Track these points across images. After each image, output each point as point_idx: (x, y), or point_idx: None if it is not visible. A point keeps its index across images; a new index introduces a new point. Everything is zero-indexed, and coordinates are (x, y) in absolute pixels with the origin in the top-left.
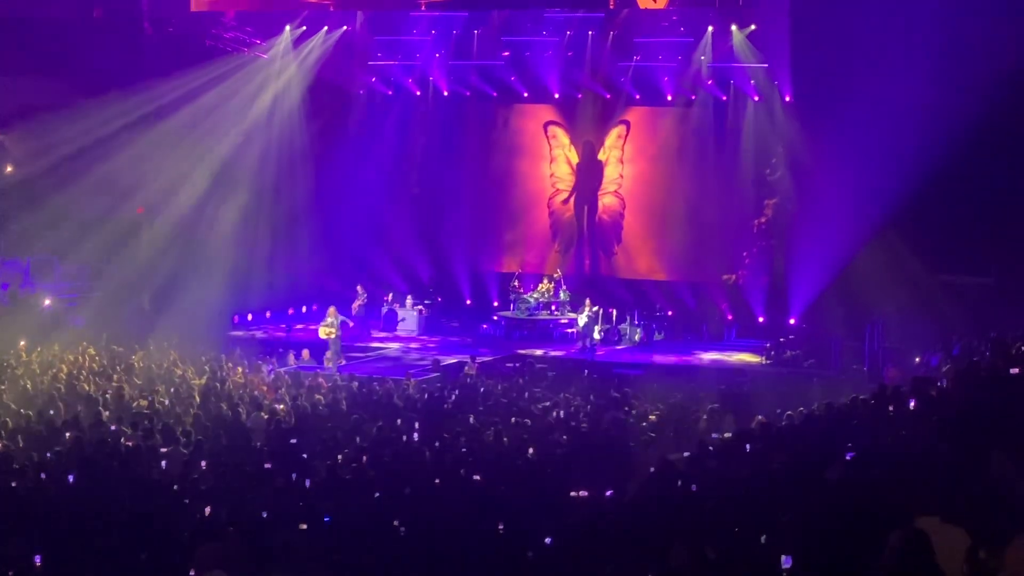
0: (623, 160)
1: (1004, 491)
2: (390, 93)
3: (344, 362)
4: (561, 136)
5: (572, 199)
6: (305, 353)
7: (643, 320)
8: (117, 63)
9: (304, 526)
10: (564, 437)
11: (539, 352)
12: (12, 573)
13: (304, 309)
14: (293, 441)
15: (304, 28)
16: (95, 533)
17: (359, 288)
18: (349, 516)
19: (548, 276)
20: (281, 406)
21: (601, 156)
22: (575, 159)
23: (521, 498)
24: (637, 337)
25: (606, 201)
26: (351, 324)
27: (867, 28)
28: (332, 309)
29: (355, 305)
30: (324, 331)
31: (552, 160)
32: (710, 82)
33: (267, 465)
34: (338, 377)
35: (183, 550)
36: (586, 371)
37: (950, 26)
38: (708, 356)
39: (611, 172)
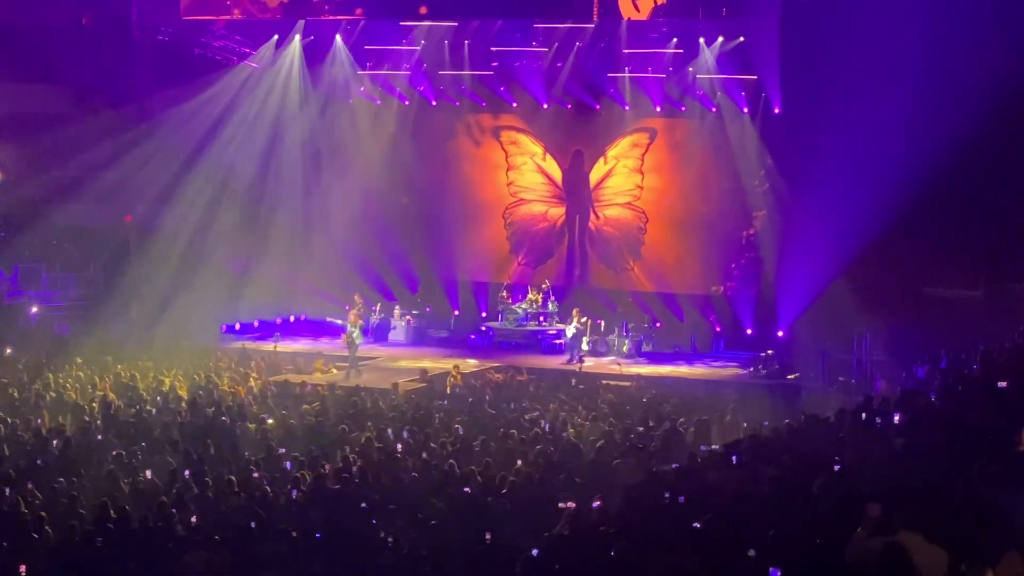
0: (642, 170)
1: (987, 507)
2: (379, 103)
3: (360, 371)
4: (528, 144)
5: (564, 209)
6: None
7: (631, 331)
8: (106, 71)
9: (294, 534)
10: (551, 448)
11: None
12: None
13: (292, 318)
14: (281, 451)
15: (295, 37)
16: (81, 542)
17: (356, 297)
18: (336, 526)
19: (536, 287)
20: (270, 418)
21: (601, 166)
22: (554, 168)
23: (508, 509)
24: (625, 348)
25: (610, 213)
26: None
27: (856, 42)
28: (352, 315)
29: (352, 314)
30: (347, 338)
31: (511, 168)
32: (701, 93)
33: (254, 475)
34: (324, 387)
35: (169, 559)
36: (574, 382)
37: (939, 41)
38: (696, 368)
39: (620, 183)
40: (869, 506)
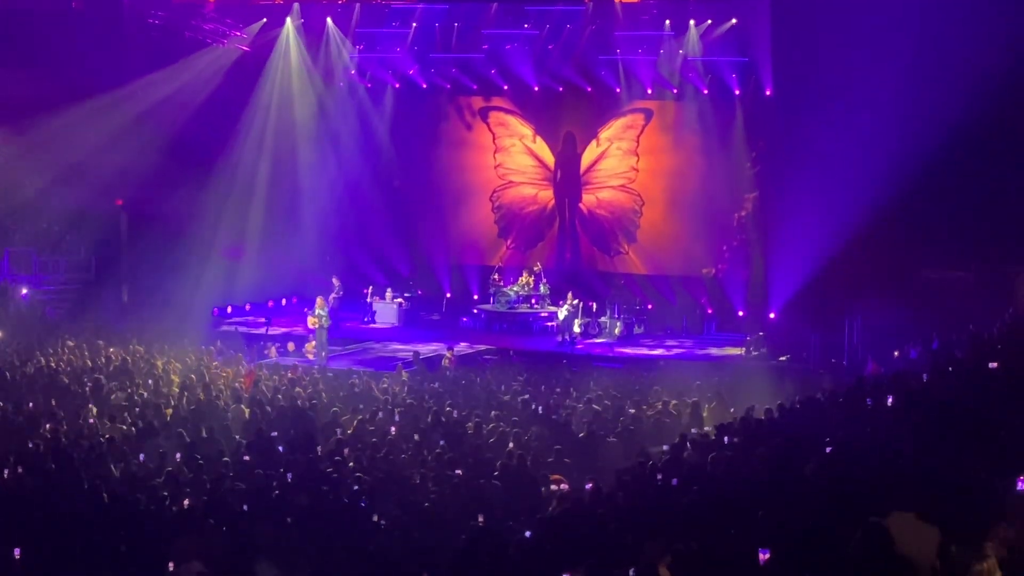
0: (638, 152)
1: (978, 487)
2: (369, 86)
3: (325, 354)
4: (517, 125)
5: (552, 191)
6: (291, 345)
7: (623, 313)
8: (96, 54)
9: (287, 517)
10: (543, 431)
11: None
12: None
13: (284, 302)
14: (273, 434)
15: (287, 20)
16: (74, 526)
17: (334, 280)
18: (328, 509)
19: (528, 269)
20: (262, 400)
21: (594, 148)
22: (545, 151)
23: (501, 492)
24: (617, 330)
25: (603, 195)
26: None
27: (848, 23)
28: (320, 300)
29: (331, 297)
30: (312, 321)
31: (499, 150)
32: (692, 75)
33: (246, 457)
34: (316, 370)
35: (161, 542)
36: (565, 364)
37: (930, 24)
38: (688, 350)
39: (614, 165)
40: None
